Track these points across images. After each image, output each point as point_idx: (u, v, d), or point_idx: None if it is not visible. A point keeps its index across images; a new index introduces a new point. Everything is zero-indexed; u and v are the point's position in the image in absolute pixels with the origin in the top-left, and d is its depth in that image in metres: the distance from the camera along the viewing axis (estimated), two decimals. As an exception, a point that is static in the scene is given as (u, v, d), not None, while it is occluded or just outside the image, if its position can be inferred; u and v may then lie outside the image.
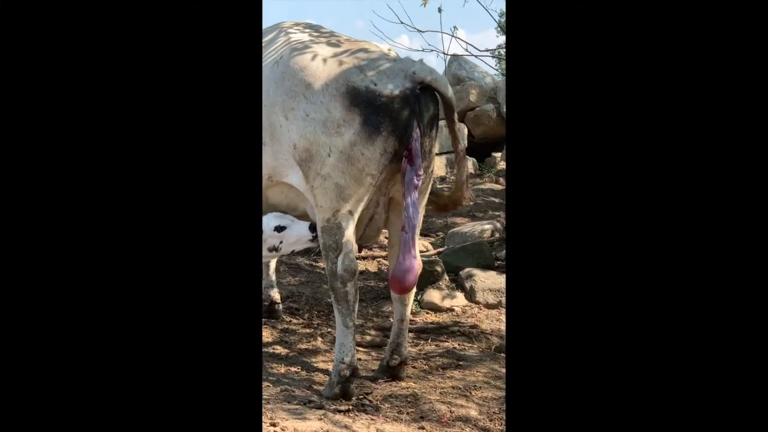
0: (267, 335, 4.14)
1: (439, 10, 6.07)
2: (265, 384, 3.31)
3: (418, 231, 3.37)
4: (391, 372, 3.59)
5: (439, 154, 8.41)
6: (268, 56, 3.46)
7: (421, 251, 4.46)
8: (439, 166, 8.33)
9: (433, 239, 6.10)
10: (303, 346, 4.05)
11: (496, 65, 11.27)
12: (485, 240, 5.50)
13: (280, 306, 4.49)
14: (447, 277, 4.94)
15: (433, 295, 4.77)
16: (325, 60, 3.24)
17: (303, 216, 3.47)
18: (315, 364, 3.77)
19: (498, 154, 8.85)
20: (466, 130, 9.08)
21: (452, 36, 5.57)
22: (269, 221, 3.32)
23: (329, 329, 4.28)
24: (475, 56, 6.83)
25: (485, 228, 5.67)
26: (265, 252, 3.33)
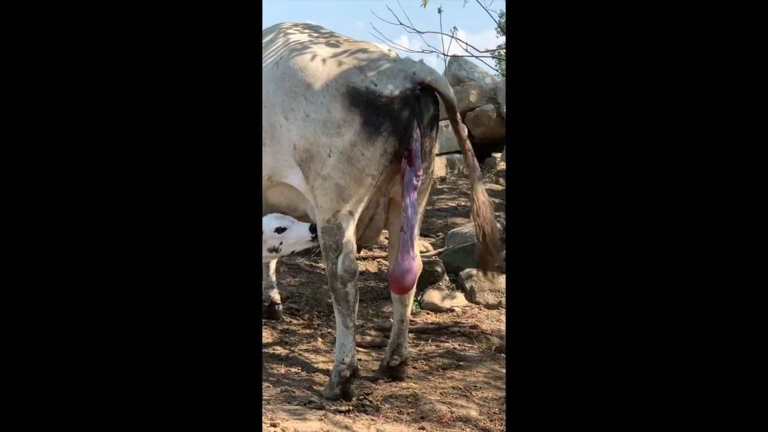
0: (267, 336, 4.14)
1: (439, 11, 6.08)
2: (265, 384, 3.31)
3: (417, 231, 3.37)
4: (392, 372, 3.59)
5: (439, 154, 8.41)
6: (268, 57, 3.46)
7: (421, 252, 4.46)
8: (439, 166, 8.33)
9: (433, 240, 6.10)
10: (303, 347, 4.05)
11: (496, 66, 11.28)
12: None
13: (281, 307, 4.49)
14: (447, 278, 4.94)
15: (434, 296, 4.77)
16: (324, 60, 3.24)
17: (303, 216, 3.47)
18: (315, 365, 3.77)
19: (498, 155, 8.85)
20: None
21: (452, 37, 5.57)
22: (269, 222, 3.32)
23: (329, 330, 4.28)
24: (476, 57, 6.84)
25: (485, 228, 5.66)
26: (265, 253, 3.33)
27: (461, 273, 5.08)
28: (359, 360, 3.51)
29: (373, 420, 3.02)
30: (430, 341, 4.24)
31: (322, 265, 5.14)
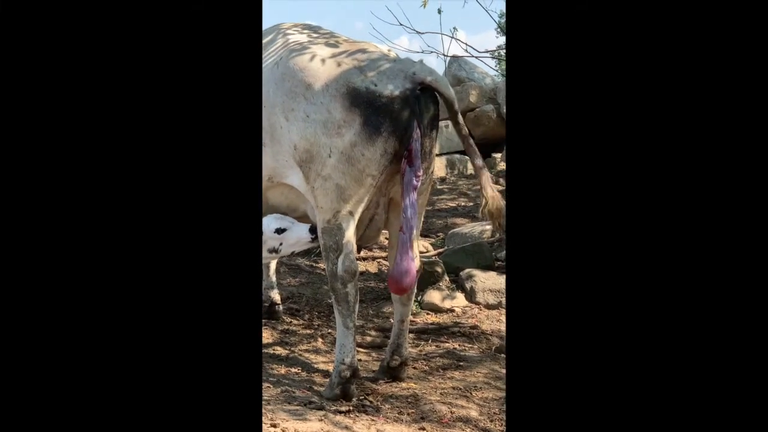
0: (267, 336, 4.14)
1: (439, 11, 6.07)
2: (265, 385, 3.31)
3: (417, 232, 3.37)
4: (392, 373, 3.59)
5: (440, 155, 8.42)
6: (268, 57, 3.46)
7: (421, 252, 4.46)
8: (440, 167, 8.33)
9: (433, 240, 6.10)
10: (303, 347, 4.05)
11: (495, 66, 11.28)
12: (485, 241, 5.50)
13: (281, 307, 4.49)
14: (447, 278, 4.94)
15: (434, 296, 4.77)
16: (324, 61, 3.24)
17: (303, 217, 3.47)
18: (315, 365, 3.77)
19: (498, 155, 8.85)
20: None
21: (452, 37, 5.57)
22: (269, 223, 3.32)
23: (330, 330, 4.28)
24: (475, 57, 6.83)
25: (485, 228, 5.67)
26: (264, 253, 3.33)
27: (461, 273, 5.08)
28: (359, 360, 3.51)
29: (373, 420, 3.02)
30: (430, 341, 4.24)
31: (322, 265, 5.14)
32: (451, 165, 8.72)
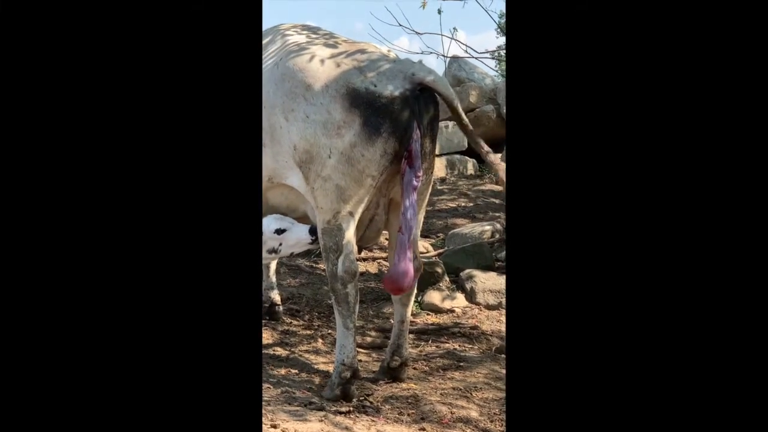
0: (267, 337, 4.14)
1: (439, 12, 6.06)
2: (265, 386, 3.31)
3: (417, 232, 3.37)
4: (392, 373, 3.59)
5: (440, 155, 8.41)
6: (268, 58, 3.46)
7: (421, 252, 4.46)
8: (439, 167, 8.33)
9: (433, 240, 6.10)
10: (303, 348, 4.05)
11: (495, 67, 11.27)
12: (485, 241, 5.50)
13: (281, 308, 4.49)
14: (447, 279, 4.94)
15: (434, 297, 4.77)
16: (324, 61, 3.24)
17: (303, 218, 3.47)
18: (315, 366, 3.77)
19: (498, 155, 8.84)
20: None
21: (451, 38, 5.56)
22: (269, 223, 3.32)
23: (330, 331, 4.28)
24: (475, 58, 6.83)
25: (485, 229, 5.67)
26: (264, 254, 3.33)
27: (461, 274, 5.08)
28: (359, 361, 3.51)
29: (373, 421, 3.02)
30: (430, 342, 4.24)
31: (322, 266, 5.14)
32: (451, 165, 8.71)
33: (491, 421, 3.13)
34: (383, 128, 3.10)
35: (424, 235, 5.93)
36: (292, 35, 3.56)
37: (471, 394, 3.45)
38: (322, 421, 2.88)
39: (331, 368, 3.52)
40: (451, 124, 8.71)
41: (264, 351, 3.85)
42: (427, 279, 4.74)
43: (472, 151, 8.87)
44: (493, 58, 8.21)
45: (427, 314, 4.70)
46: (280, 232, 3.30)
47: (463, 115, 3.42)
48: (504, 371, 3.61)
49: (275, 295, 4.46)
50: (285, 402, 3.13)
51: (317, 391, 3.37)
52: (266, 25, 3.68)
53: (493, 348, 4.13)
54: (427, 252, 5.54)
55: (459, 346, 4.18)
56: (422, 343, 4.21)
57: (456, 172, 8.67)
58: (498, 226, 5.79)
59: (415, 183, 3.12)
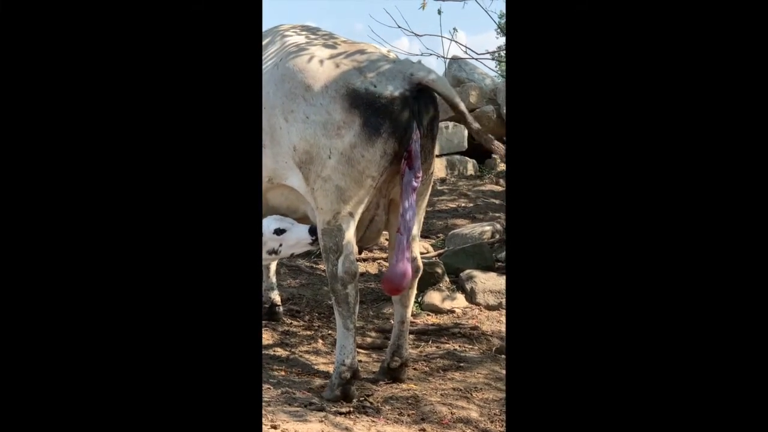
0: (267, 337, 4.14)
1: (439, 12, 6.06)
2: (265, 386, 3.30)
3: (417, 232, 3.37)
4: (392, 374, 3.59)
5: (439, 156, 8.41)
6: (268, 58, 3.46)
7: (421, 253, 4.46)
8: (440, 167, 8.33)
9: (433, 241, 6.10)
10: (303, 349, 4.05)
11: (495, 67, 11.27)
12: (485, 241, 5.50)
13: (281, 308, 4.49)
14: (447, 279, 4.94)
15: (434, 297, 4.77)
16: (323, 62, 3.24)
17: (303, 218, 3.47)
18: (316, 367, 3.77)
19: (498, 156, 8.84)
20: (466, 132, 9.08)
21: (451, 39, 5.56)
22: (269, 224, 3.32)
23: (330, 331, 4.28)
24: (475, 59, 6.83)
25: (485, 229, 5.67)
26: (264, 255, 3.33)
27: (461, 274, 5.08)
28: (360, 361, 3.51)
29: (373, 421, 3.02)
30: (430, 342, 4.23)
31: (322, 266, 5.14)
32: (451, 166, 8.71)
33: (491, 422, 3.12)
34: (383, 129, 3.10)
35: (425, 235, 5.93)
36: (291, 36, 3.56)
37: (471, 394, 3.45)
38: (322, 421, 2.88)
39: (331, 369, 3.52)
40: (451, 124, 8.71)
41: (264, 352, 3.85)
42: (427, 279, 4.74)
43: (472, 152, 8.88)
44: (493, 59, 8.21)
45: (428, 315, 4.70)
46: (280, 232, 3.30)
47: (467, 112, 3.42)
48: (504, 372, 3.61)
49: (275, 296, 4.46)
50: (285, 402, 3.13)
51: (317, 391, 3.36)
52: (266, 25, 3.68)
53: (493, 348, 4.13)
54: (428, 252, 5.54)
55: (459, 346, 4.18)
56: (422, 344, 4.21)
57: (456, 173, 8.67)
58: (498, 226, 5.79)
59: (414, 183, 3.12)
